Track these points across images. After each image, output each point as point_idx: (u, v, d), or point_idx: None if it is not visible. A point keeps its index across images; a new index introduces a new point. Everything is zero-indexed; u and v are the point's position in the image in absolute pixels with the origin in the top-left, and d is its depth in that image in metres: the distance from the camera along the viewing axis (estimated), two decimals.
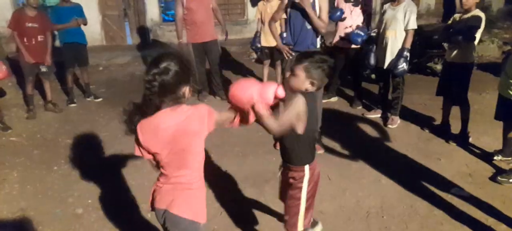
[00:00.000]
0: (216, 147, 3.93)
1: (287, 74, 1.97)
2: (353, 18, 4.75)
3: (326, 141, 3.99)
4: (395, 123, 4.39)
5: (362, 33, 4.58)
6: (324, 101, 5.18)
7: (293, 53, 3.73)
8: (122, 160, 3.56)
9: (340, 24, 4.85)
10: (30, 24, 4.56)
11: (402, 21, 4.09)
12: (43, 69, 4.80)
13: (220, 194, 3.10)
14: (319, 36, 3.82)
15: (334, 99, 5.34)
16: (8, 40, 6.24)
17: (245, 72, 6.80)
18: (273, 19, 3.90)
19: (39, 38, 4.68)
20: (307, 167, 2.03)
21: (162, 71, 1.54)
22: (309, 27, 3.65)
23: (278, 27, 4.17)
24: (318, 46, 3.86)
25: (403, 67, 4.08)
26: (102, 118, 4.89)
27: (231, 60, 7.51)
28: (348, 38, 4.71)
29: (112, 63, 7.44)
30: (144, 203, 2.91)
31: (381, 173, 3.40)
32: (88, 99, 5.54)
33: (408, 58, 4.13)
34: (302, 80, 1.91)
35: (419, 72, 6.25)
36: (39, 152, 3.98)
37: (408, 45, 4.09)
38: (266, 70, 5.78)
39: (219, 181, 3.31)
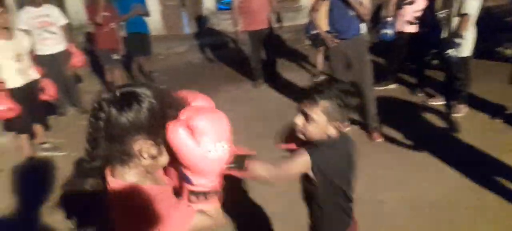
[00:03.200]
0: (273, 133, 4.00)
1: (298, 120, 1.42)
2: (419, 2, 4.56)
3: (386, 129, 3.91)
4: (461, 111, 4.16)
5: (388, 31, 4.54)
6: (381, 88, 5.07)
7: (337, 41, 3.71)
8: None
9: (407, 7, 4.67)
10: (103, 14, 4.85)
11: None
12: (116, 57, 5.12)
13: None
14: (364, 23, 3.75)
15: (393, 86, 5.17)
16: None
17: (299, 59, 6.78)
18: (313, 9, 3.90)
19: (111, 26, 4.97)
20: None
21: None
22: (352, 13, 3.59)
23: (323, 15, 4.11)
24: (364, 32, 3.80)
25: (449, 53, 3.89)
26: None
27: (285, 47, 7.52)
28: (414, 22, 4.56)
29: (171, 52, 7.77)
30: None
31: (445, 164, 3.27)
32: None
33: (460, 45, 3.90)
34: (323, 126, 1.40)
35: (489, 58, 5.83)
36: None
37: (461, 30, 3.86)
38: (320, 57, 5.72)
39: None
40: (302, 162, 1.39)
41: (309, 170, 1.40)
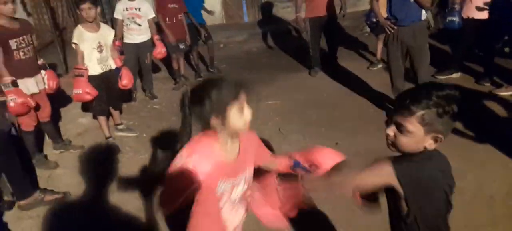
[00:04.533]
0: (327, 121, 4.08)
1: (390, 131, 1.29)
2: None
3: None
4: None
5: (455, 19, 4.40)
6: (443, 77, 4.88)
7: (396, 28, 3.67)
8: None
9: None
10: (171, 5, 5.14)
11: None
12: (182, 46, 5.44)
13: None
14: (426, 9, 3.63)
15: (457, 75, 4.94)
16: None
17: (358, 47, 6.69)
18: None
19: (179, 17, 5.28)
20: None
21: None
22: (411, 0, 3.53)
23: (383, 2, 4.04)
24: (424, 18, 3.67)
25: None
26: None
27: (344, 34, 7.43)
28: (484, 8, 4.35)
29: (231, 41, 8.04)
30: None
31: (510, 159, 3.14)
32: (211, 70, 6.16)
33: None
34: (420, 138, 1.23)
35: None
36: (177, 118, 4.66)
37: None
38: (380, 44, 5.62)
39: None
40: (384, 173, 1.24)
41: (394, 181, 1.23)
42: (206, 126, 1.36)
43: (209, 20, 6.22)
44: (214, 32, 6.90)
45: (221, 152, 1.39)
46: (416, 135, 1.22)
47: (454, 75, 4.93)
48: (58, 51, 6.07)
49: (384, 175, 1.24)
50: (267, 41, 7.76)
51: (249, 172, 1.53)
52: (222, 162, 1.39)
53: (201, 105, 1.31)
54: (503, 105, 4.04)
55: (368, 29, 6.92)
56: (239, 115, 1.34)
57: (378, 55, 5.67)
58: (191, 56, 6.08)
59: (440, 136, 1.22)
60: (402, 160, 1.26)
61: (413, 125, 1.21)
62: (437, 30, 6.61)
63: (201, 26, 5.76)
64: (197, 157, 1.34)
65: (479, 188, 2.83)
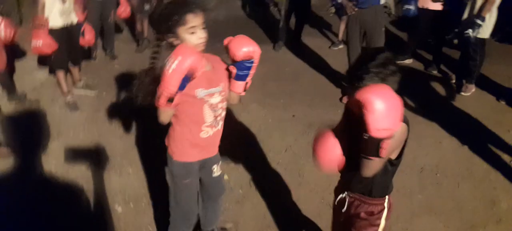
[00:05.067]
0: (286, 93, 4.28)
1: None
2: None
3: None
4: (469, 91, 4.30)
5: (411, 7, 4.66)
6: (397, 62, 5.20)
7: (356, 9, 3.87)
8: None
9: None
10: None
11: None
12: (147, 7, 5.33)
13: (284, 136, 3.48)
14: None
15: (409, 61, 5.29)
16: None
17: (322, 26, 6.88)
18: None
19: None
20: (387, 199, 1.61)
21: None
22: None
23: None
24: (383, 2, 3.92)
25: (468, 33, 3.98)
26: None
27: (311, 13, 7.58)
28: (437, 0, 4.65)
29: None
30: None
31: (443, 136, 3.50)
32: None
33: (480, 27, 3.98)
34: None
35: (507, 41, 5.83)
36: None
37: (483, 13, 3.94)
38: (342, 26, 5.83)
39: (286, 124, 3.68)
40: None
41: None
42: (170, 46, 1.65)
43: None
44: None
45: None
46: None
47: (407, 61, 5.26)
48: (12, 0, 5.75)
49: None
50: (237, 10, 7.75)
51: (223, 87, 1.84)
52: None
53: (159, 28, 1.66)
54: (444, 91, 4.43)
55: (333, 10, 7.13)
56: (190, 35, 1.63)
57: (340, 36, 5.89)
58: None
59: None
60: None
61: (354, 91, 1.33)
62: (397, 17, 6.96)
63: None
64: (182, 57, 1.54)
65: (413, 159, 3.14)
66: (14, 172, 2.95)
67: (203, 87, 1.75)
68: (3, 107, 3.64)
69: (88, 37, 3.76)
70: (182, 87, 1.57)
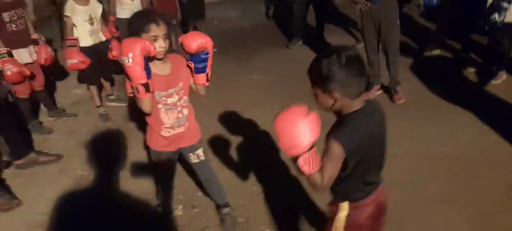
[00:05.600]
0: (305, 93, 4.31)
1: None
2: None
3: (418, 92, 4.00)
4: (499, 78, 4.11)
5: None
6: (426, 54, 5.07)
7: (369, 4, 3.85)
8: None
9: None
10: None
11: None
12: (173, 22, 5.66)
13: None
14: None
15: (437, 51, 5.13)
16: None
17: (347, 24, 6.83)
18: None
19: None
20: (346, 204, 1.53)
21: None
22: None
23: None
24: None
25: (495, 18, 3.79)
26: (216, 65, 5.68)
27: (336, 11, 7.57)
28: None
29: (225, 17, 8.21)
30: None
31: (468, 124, 3.42)
32: None
33: (506, 10, 3.77)
34: (325, 100, 1.40)
35: None
36: None
37: None
38: None
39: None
40: (336, 154, 1.34)
41: (344, 153, 1.34)
42: None
43: None
44: (210, 9, 7.12)
45: (153, 69, 1.92)
46: (319, 95, 1.41)
47: (435, 51, 5.11)
48: (54, 26, 6.31)
49: (338, 156, 1.34)
50: (260, 17, 7.91)
51: (182, 86, 2.07)
52: (156, 74, 1.94)
53: (130, 32, 1.92)
54: (471, 79, 4.26)
55: (359, 7, 7.05)
56: (152, 42, 1.85)
57: None
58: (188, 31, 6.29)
59: (335, 93, 1.35)
60: (338, 128, 1.39)
61: (314, 89, 1.42)
62: (424, 9, 6.75)
63: (198, 2, 5.96)
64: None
65: (428, 149, 3.10)
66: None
67: (161, 90, 1.98)
68: (45, 123, 4.06)
69: (115, 52, 4.05)
70: (148, 71, 1.80)
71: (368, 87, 4.15)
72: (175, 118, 2.09)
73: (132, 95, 1.93)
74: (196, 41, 1.90)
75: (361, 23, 4.12)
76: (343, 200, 1.53)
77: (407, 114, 3.72)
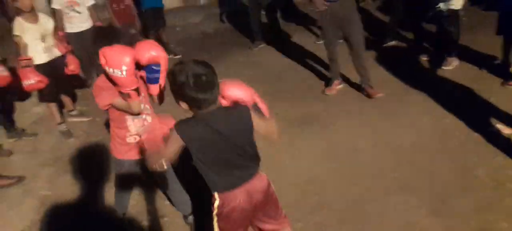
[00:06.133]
0: (270, 93, 4.39)
1: None
2: None
3: (377, 81, 4.15)
4: (450, 64, 4.31)
5: None
6: (384, 46, 5.25)
7: (327, 4, 3.87)
8: None
9: None
10: None
11: None
12: (133, 31, 5.57)
13: None
14: None
15: (392, 43, 5.33)
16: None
17: (308, 22, 6.96)
18: None
19: (126, 2, 5.37)
20: (216, 194, 1.73)
21: None
22: None
23: None
24: None
25: (440, 7, 4.01)
26: None
27: (296, 11, 7.68)
28: None
29: (187, 23, 8.16)
30: None
31: (423, 112, 3.57)
32: (169, 56, 6.31)
33: None
34: (181, 104, 1.62)
35: (487, 9, 5.78)
36: None
37: None
38: None
39: None
40: (174, 138, 1.61)
41: (181, 140, 1.61)
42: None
43: (166, 3, 6.35)
44: (172, 16, 7.06)
45: None
46: (179, 102, 1.61)
47: (390, 43, 5.31)
48: (10, 44, 6.06)
49: (175, 140, 1.61)
50: (222, 22, 7.92)
51: (144, 95, 2.17)
52: None
53: None
54: (427, 67, 4.46)
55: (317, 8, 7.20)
56: None
57: None
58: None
59: (183, 103, 1.60)
60: (184, 122, 1.63)
61: (172, 97, 1.63)
62: (381, 3, 6.99)
63: (158, 10, 5.91)
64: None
65: (390, 138, 3.23)
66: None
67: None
68: (4, 145, 3.91)
69: (72, 66, 3.96)
70: (149, 71, 1.95)
71: (329, 83, 4.28)
72: (141, 125, 2.18)
73: (107, 108, 2.09)
74: (148, 52, 1.90)
75: (321, 22, 4.17)
76: (213, 191, 1.73)
77: (367, 107, 3.86)
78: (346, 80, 4.36)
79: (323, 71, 4.79)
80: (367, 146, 3.21)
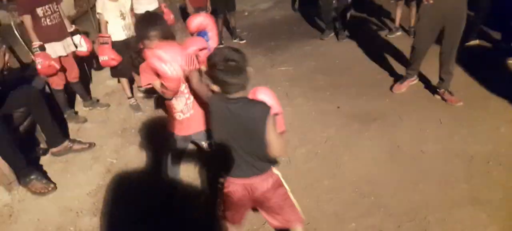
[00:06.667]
0: (332, 86, 4.24)
1: None
2: None
3: (454, 81, 3.79)
4: None
5: None
6: (466, 44, 4.81)
7: None
8: None
9: None
10: None
11: None
12: (203, 12, 5.68)
13: (325, 128, 3.48)
14: None
15: (476, 42, 4.85)
16: None
17: (381, 13, 6.61)
18: None
19: None
20: (223, 181, 1.90)
21: None
22: None
23: None
24: None
25: None
26: None
27: (370, 2, 7.34)
28: None
29: (256, 9, 8.19)
30: None
31: (504, 119, 3.21)
32: (234, 41, 6.40)
33: None
34: (212, 85, 1.80)
35: None
36: None
37: None
38: (399, 10, 5.56)
39: (329, 117, 3.67)
40: (207, 92, 1.86)
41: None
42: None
43: None
44: (241, 1, 7.11)
45: None
46: (212, 86, 1.75)
47: (473, 42, 4.84)
48: (91, 19, 6.56)
49: (206, 96, 1.85)
50: (293, 10, 7.80)
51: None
52: None
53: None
54: None
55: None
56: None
57: (397, 22, 5.62)
58: (218, 23, 6.29)
59: (215, 86, 1.72)
60: (218, 94, 1.76)
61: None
62: None
63: None
64: None
65: (463, 147, 2.96)
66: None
67: None
68: (80, 113, 4.25)
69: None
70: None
71: (401, 80, 3.99)
72: (184, 104, 2.30)
73: (149, 86, 2.25)
74: (196, 21, 2.23)
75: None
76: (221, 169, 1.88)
77: (439, 109, 3.56)
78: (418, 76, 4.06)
79: (393, 67, 4.52)
80: (435, 151, 2.97)
